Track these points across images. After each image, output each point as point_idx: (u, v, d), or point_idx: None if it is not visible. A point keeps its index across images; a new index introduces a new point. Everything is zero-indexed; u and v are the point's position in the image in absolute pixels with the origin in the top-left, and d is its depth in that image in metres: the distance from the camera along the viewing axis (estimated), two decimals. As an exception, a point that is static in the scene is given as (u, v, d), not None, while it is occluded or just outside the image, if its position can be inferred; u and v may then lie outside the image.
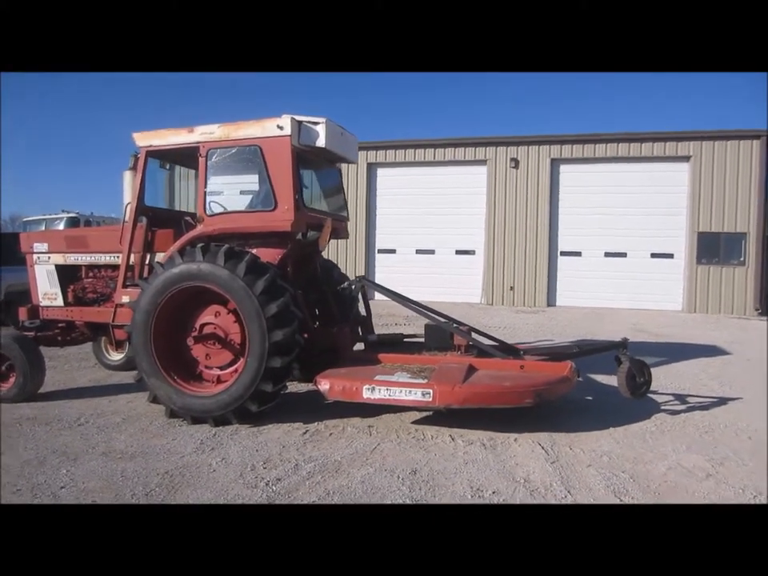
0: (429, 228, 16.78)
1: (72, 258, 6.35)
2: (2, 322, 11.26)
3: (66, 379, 6.94)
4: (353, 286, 5.86)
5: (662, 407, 5.89)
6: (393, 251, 17.01)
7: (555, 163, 16.01)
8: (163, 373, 5.09)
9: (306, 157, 5.51)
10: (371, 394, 4.68)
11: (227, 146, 5.34)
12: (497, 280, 16.48)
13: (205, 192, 5.37)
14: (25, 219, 19.05)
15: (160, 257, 5.77)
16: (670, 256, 15.82)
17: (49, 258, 6.46)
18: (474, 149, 16.39)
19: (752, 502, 3.66)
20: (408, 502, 3.55)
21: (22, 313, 6.61)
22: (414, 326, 11.46)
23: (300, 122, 5.23)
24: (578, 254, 16.22)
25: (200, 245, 5.05)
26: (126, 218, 5.75)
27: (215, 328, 5.18)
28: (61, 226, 16.64)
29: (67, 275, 6.42)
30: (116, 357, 7.60)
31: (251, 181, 5.75)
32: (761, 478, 4.05)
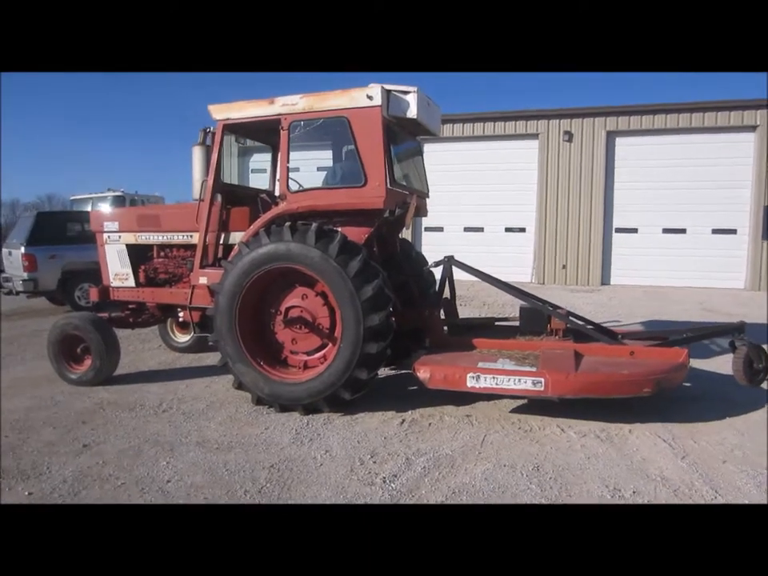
0: (478, 205, 16.25)
1: (143, 238, 6.15)
2: (60, 302, 11.35)
3: (134, 361, 6.83)
4: (442, 267, 5.53)
5: (772, 395, 5.46)
6: (440, 229, 16.55)
7: (611, 136, 15.25)
8: (249, 358, 4.87)
9: (393, 129, 5.15)
10: (476, 382, 4.37)
11: (312, 117, 5.00)
12: (548, 258, 15.94)
13: (288, 167, 5.06)
14: (72, 198, 19.08)
15: (236, 236, 5.53)
16: (733, 232, 15.03)
17: (119, 237, 6.28)
18: (525, 122, 15.72)
19: None
20: (543, 501, 3.26)
21: (93, 293, 6.49)
22: (487, 311, 11.14)
23: (389, 92, 4.86)
24: (635, 230, 15.54)
25: (287, 223, 4.76)
26: (203, 196, 5.49)
27: (302, 311, 4.91)
28: (107, 205, 16.64)
29: (138, 255, 6.24)
30: (183, 339, 7.45)
31: (337, 155, 5.43)
32: None
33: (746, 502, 3.30)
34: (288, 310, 4.95)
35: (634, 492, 3.40)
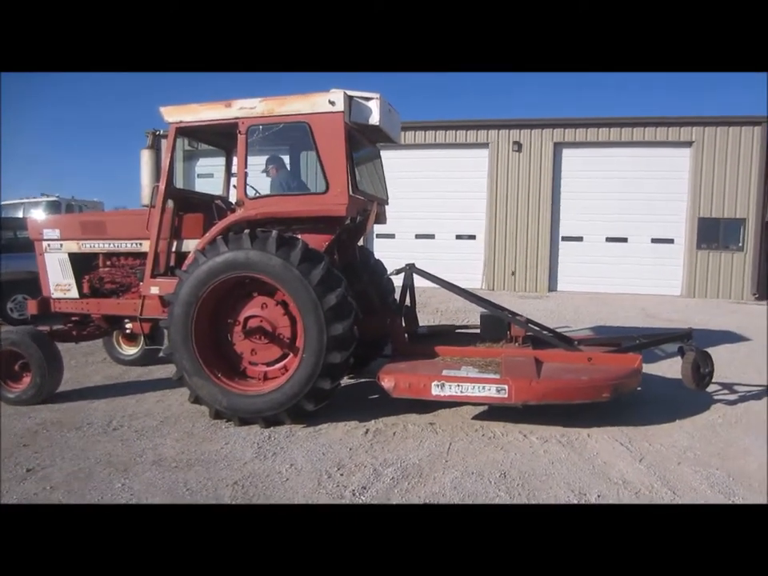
0: (429, 212, 16.43)
1: (88, 246, 5.83)
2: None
3: (77, 377, 6.44)
4: (403, 274, 5.51)
5: (715, 397, 5.74)
6: (392, 236, 16.61)
7: (558, 147, 15.79)
8: (206, 370, 4.68)
9: (354, 135, 5.10)
10: (441, 390, 4.37)
11: (271, 122, 4.88)
12: (498, 265, 16.28)
13: (245, 173, 4.92)
14: (2, 203, 17.97)
15: (189, 244, 5.33)
16: (671, 241, 15.82)
17: (61, 245, 5.92)
18: (475, 131, 16.04)
19: None
20: (513, 510, 3.27)
21: (32, 306, 6.08)
22: (441, 318, 11.20)
23: (351, 98, 4.82)
24: (580, 239, 16.11)
25: (246, 231, 4.62)
26: (154, 202, 5.26)
27: (262, 321, 4.77)
28: (40, 211, 15.79)
29: (82, 264, 5.90)
30: (130, 351, 7.10)
31: (296, 161, 5.33)
32: None
33: (704, 502, 3.43)
34: (247, 320, 4.80)
35: (598, 496, 3.47)
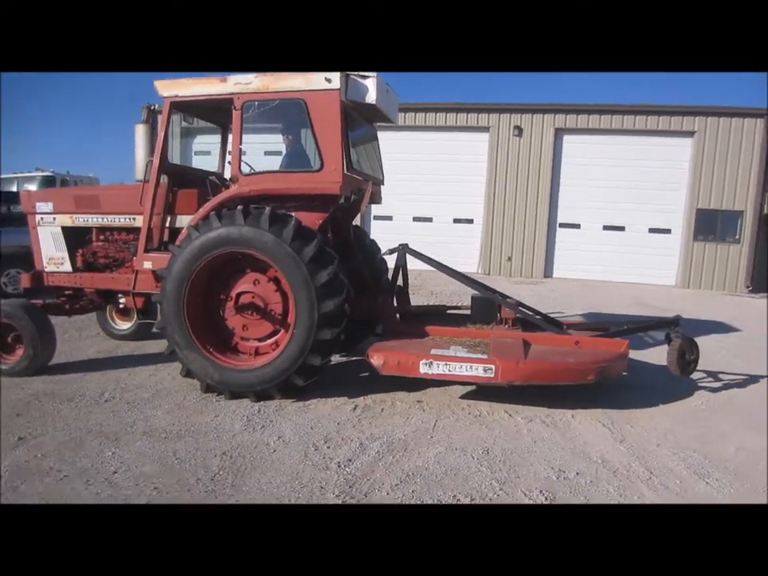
0: (427, 195, 16.37)
1: (81, 220, 5.84)
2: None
3: (71, 350, 6.49)
4: (396, 254, 5.55)
5: (699, 384, 5.82)
6: (389, 218, 16.58)
7: (559, 133, 15.68)
8: (198, 345, 4.74)
9: (350, 113, 5.10)
10: (429, 369, 4.44)
11: (266, 98, 4.88)
12: (495, 250, 16.28)
13: (240, 149, 4.93)
14: (-2, 178, 17.89)
15: (183, 219, 5.35)
16: (668, 231, 15.82)
17: (54, 218, 5.93)
18: (476, 115, 15.92)
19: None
20: (494, 483, 3.36)
21: (25, 279, 6.10)
22: (435, 300, 11.25)
23: (348, 75, 4.81)
24: (577, 226, 16.09)
25: (239, 207, 4.64)
26: (148, 177, 5.27)
27: (254, 297, 4.82)
28: (34, 185, 15.71)
29: (75, 238, 5.92)
30: (123, 326, 7.14)
31: (292, 138, 5.33)
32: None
33: (678, 483, 3.52)
34: (239, 295, 4.85)
35: (577, 473, 3.55)
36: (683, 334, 5.24)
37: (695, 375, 5.82)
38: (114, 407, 4.57)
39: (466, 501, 3.14)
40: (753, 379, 6.15)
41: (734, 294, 15.41)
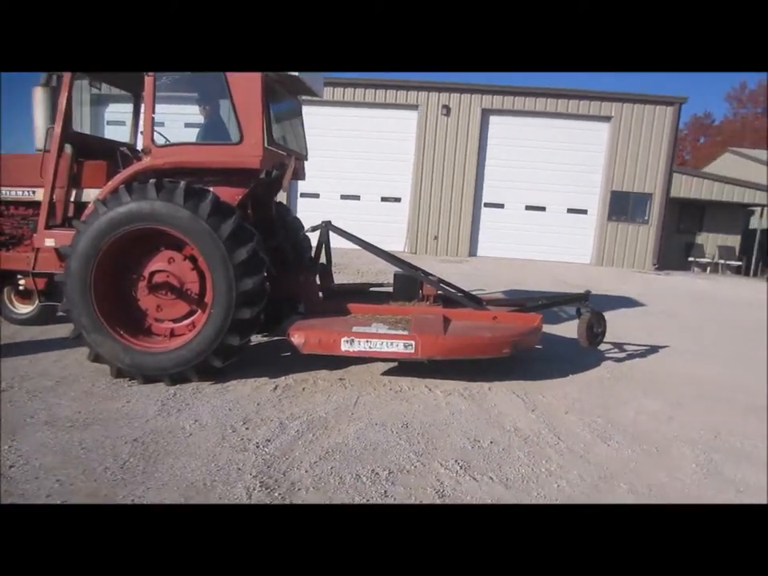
0: (355, 172, 16.30)
1: None
2: None
3: (-38, 336, 5.98)
4: (319, 232, 5.48)
5: (606, 355, 6.21)
6: (317, 195, 16.40)
7: (485, 113, 16.02)
8: (107, 327, 4.49)
9: (272, 86, 4.94)
10: (350, 346, 4.45)
11: (180, 66, 4.62)
12: (421, 229, 16.51)
13: (152, 118, 4.66)
14: None
15: (90, 193, 5.03)
16: (584, 212, 16.64)
17: (-59, 191, 5.41)
18: (405, 92, 15.93)
19: (711, 441, 3.98)
20: (411, 456, 3.44)
21: None
22: (362, 279, 11.26)
23: (267, 45, 4.63)
24: (501, 205, 16.60)
25: (152, 180, 4.41)
26: (48, 146, 4.89)
27: (168, 276, 4.61)
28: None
29: None
30: (24, 309, 6.58)
31: (210, 109, 5.09)
32: (713, 421, 4.40)
33: (582, 446, 3.76)
34: (152, 274, 4.63)
35: (491, 442, 3.71)
36: (592, 308, 5.55)
37: (603, 347, 6.21)
38: (11, 397, 4.23)
39: (384, 474, 3.19)
40: (653, 349, 6.65)
41: (642, 272, 16.51)
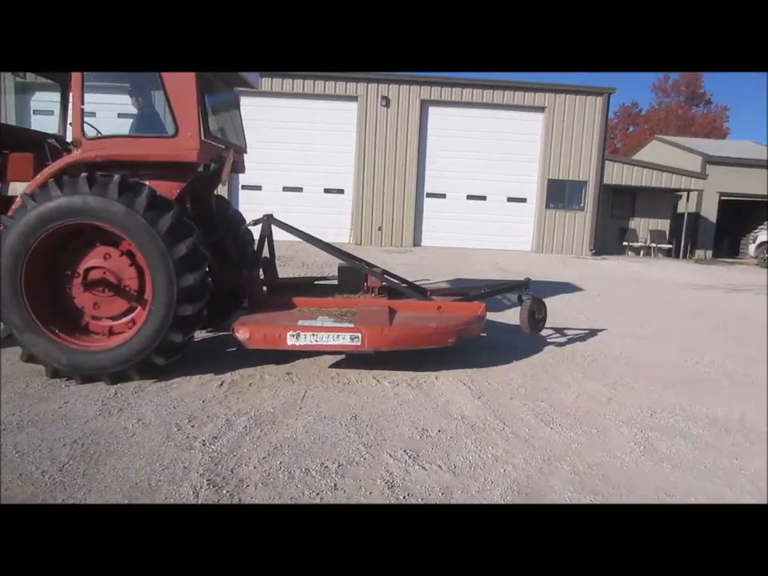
0: (297, 164, 16.11)
1: None
2: None
3: None
4: (261, 225, 5.40)
5: (548, 340, 6.46)
6: (258, 188, 16.10)
7: (425, 104, 16.16)
8: (41, 326, 4.29)
9: (207, 77, 4.80)
10: (296, 340, 4.43)
11: (110, 54, 4.42)
12: (365, 220, 16.54)
13: (82, 110, 4.45)
14: None
15: (16, 187, 4.77)
16: (524, 200, 17.13)
17: None
18: (344, 83, 15.85)
19: (647, 419, 4.23)
20: (361, 448, 3.48)
21: None
22: (306, 271, 11.16)
23: (202, 34, 4.50)
24: (443, 195, 16.84)
25: (84, 174, 4.22)
26: (-32, 137, 4.59)
27: (105, 273, 4.44)
28: None
29: None
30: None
31: (143, 101, 4.90)
32: (649, 400, 4.68)
33: (527, 430, 3.91)
34: (88, 271, 4.44)
35: (439, 431, 3.79)
36: (533, 295, 5.75)
37: (544, 332, 6.46)
38: (-64, 403, 4.01)
39: (334, 467, 3.22)
40: (591, 333, 6.96)
41: (580, 257, 17.18)
